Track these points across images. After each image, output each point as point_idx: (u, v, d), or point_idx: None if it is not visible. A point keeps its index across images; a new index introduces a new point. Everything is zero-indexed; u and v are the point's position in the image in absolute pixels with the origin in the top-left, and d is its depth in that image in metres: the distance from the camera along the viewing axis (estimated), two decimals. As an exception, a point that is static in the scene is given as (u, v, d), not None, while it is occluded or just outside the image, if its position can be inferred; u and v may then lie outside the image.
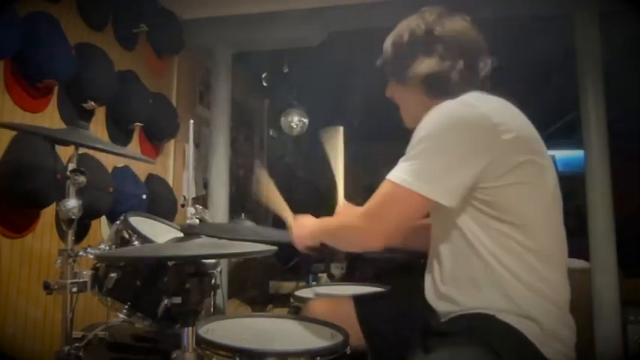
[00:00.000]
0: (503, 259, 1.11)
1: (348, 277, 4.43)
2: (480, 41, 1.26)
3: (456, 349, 1.09)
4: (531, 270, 1.11)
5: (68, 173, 1.43)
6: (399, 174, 1.13)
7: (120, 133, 2.60)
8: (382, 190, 1.17)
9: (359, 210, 1.24)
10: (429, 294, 1.25)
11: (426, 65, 1.23)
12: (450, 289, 1.17)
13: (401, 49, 1.28)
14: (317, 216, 1.49)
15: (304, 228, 1.44)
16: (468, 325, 1.12)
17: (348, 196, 1.60)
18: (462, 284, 1.15)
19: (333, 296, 1.74)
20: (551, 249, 1.16)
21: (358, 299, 1.48)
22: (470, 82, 1.22)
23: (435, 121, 1.12)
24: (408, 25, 1.28)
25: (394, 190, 1.13)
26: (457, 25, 1.25)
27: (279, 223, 1.60)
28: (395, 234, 1.21)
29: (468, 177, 1.09)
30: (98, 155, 2.16)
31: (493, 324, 1.09)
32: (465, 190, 1.10)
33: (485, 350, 1.06)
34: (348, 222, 1.31)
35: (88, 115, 2.34)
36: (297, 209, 1.55)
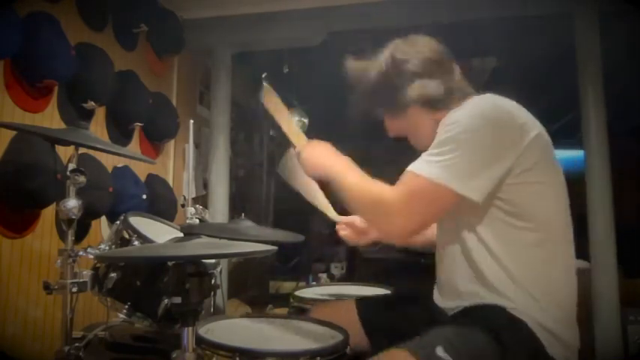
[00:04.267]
0: (516, 258, 1.11)
1: (348, 277, 4.44)
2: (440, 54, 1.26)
3: (460, 331, 1.09)
4: (544, 272, 1.12)
5: (68, 173, 1.43)
6: (431, 169, 1.10)
7: (120, 133, 2.60)
8: (410, 184, 1.13)
9: (394, 194, 1.14)
10: (437, 291, 1.25)
11: (417, 88, 1.23)
12: (460, 285, 1.18)
13: (385, 79, 1.27)
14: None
15: (319, 155, 1.34)
16: (475, 314, 1.13)
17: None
18: (472, 281, 1.15)
19: (336, 297, 1.74)
20: (565, 251, 1.17)
21: (359, 299, 1.48)
22: (468, 85, 1.24)
23: (466, 119, 1.12)
24: (382, 59, 1.29)
25: (425, 185, 1.10)
26: (426, 43, 1.27)
27: (280, 224, 1.60)
28: (419, 230, 1.20)
29: (498, 174, 1.10)
30: (98, 155, 2.16)
31: (502, 315, 1.10)
32: (492, 187, 1.10)
33: (491, 338, 1.06)
34: (381, 199, 1.16)
35: (88, 115, 2.34)
36: (297, 208, 1.55)
